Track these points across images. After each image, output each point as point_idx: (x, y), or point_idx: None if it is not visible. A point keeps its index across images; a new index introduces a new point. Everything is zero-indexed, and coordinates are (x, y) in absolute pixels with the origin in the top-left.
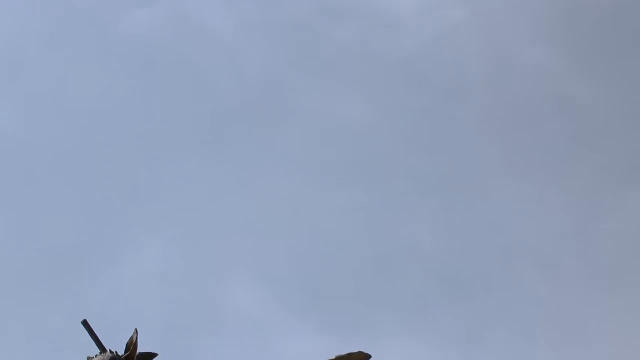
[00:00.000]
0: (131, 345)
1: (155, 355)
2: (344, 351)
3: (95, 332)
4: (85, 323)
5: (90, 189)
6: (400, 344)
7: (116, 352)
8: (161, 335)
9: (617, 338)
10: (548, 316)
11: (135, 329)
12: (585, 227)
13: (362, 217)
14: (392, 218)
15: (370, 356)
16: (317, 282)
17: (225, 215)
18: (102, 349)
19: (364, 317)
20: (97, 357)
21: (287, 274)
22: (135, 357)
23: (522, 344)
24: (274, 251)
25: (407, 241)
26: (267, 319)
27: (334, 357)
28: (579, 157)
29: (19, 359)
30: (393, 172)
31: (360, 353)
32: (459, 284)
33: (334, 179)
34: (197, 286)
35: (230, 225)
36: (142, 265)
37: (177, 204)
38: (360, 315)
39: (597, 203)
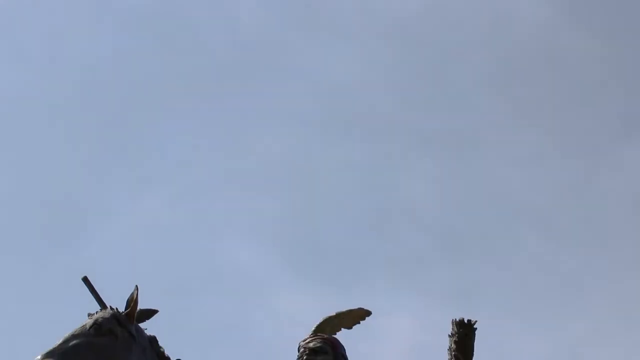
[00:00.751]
0: (132, 302)
1: (155, 311)
2: (343, 307)
3: (96, 289)
4: (85, 280)
5: (85, 144)
6: (399, 300)
7: (117, 308)
8: (157, 291)
9: (613, 293)
10: (542, 271)
11: (136, 286)
12: (582, 184)
13: (360, 174)
14: (390, 175)
15: (370, 313)
16: (314, 239)
17: (221, 170)
18: (103, 305)
19: (362, 274)
20: (98, 314)
21: (285, 230)
22: (135, 314)
23: (517, 299)
24: (271, 207)
25: (404, 198)
26: (264, 274)
27: (334, 313)
28: (577, 114)
29: (17, 317)
30: (391, 129)
31: (360, 309)
32: (457, 240)
33: (332, 136)
34: (194, 242)
35: (227, 181)
36: (138, 221)
37: (173, 159)
38: (358, 272)
39: (594, 160)
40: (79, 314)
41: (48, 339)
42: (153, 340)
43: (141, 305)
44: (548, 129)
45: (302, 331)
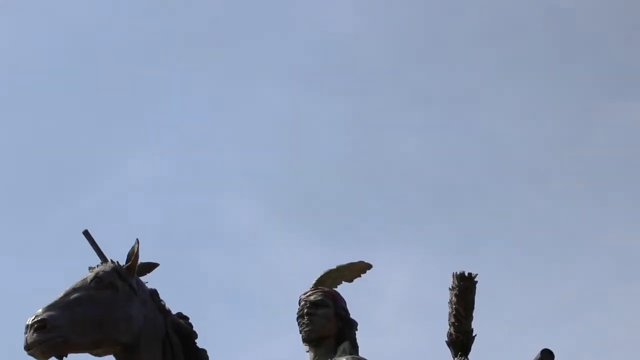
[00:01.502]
0: (132, 255)
1: (156, 265)
2: (338, 262)
3: (97, 243)
4: (86, 233)
5: (84, 99)
6: (395, 255)
7: (117, 262)
8: (155, 246)
9: (610, 247)
10: (540, 226)
11: (137, 240)
12: (576, 140)
13: (356, 130)
14: (386, 131)
15: (371, 266)
16: (310, 194)
17: (216, 126)
18: (104, 259)
19: (358, 229)
20: (99, 267)
21: (280, 186)
22: (136, 267)
23: (515, 254)
24: (267, 163)
25: (401, 154)
26: (260, 229)
27: (335, 266)
28: (572, 69)
29: (19, 272)
30: (385, 83)
31: (361, 263)
32: (452, 195)
33: (329, 90)
34: (191, 197)
35: (222, 136)
36: (134, 176)
37: (170, 115)
38: (353, 227)
39: (590, 115)
40: (80, 268)
41: (49, 293)
42: (154, 293)
43: (140, 259)
44: (544, 85)
45: (299, 284)
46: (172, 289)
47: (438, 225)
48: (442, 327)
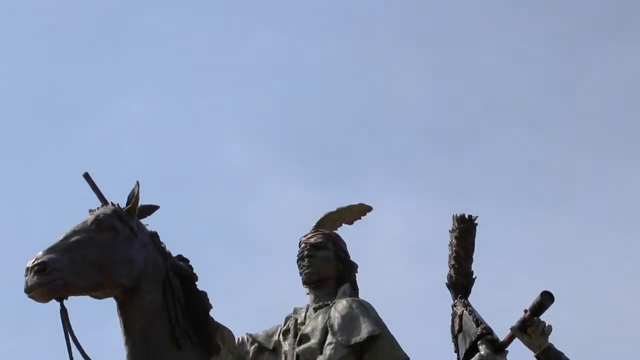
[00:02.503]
0: (133, 198)
1: (156, 207)
2: (337, 204)
3: (97, 185)
4: (86, 176)
5: (85, 37)
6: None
7: (118, 204)
8: (152, 188)
9: (604, 189)
10: (535, 169)
11: (137, 182)
12: (570, 81)
13: (351, 71)
14: (381, 71)
15: (371, 208)
16: (304, 136)
17: (214, 68)
18: (104, 201)
19: (353, 171)
20: (99, 210)
21: (275, 127)
22: (136, 210)
23: (510, 196)
24: (264, 105)
25: (395, 94)
26: (259, 173)
27: (335, 209)
28: (567, 9)
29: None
30: (381, 25)
31: (361, 205)
32: (447, 137)
33: (324, 31)
34: (189, 139)
35: (220, 79)
36: (132, 117)
37: (169, 57)
38: (349, 169)
39: (585, 55)
40: (80, 211)
41: (49, 236)
42: (154, 235)
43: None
44: (539, 25)
45: (295, 226)
46: (169, 231)
47: (432, 166)
48: (440, 270)
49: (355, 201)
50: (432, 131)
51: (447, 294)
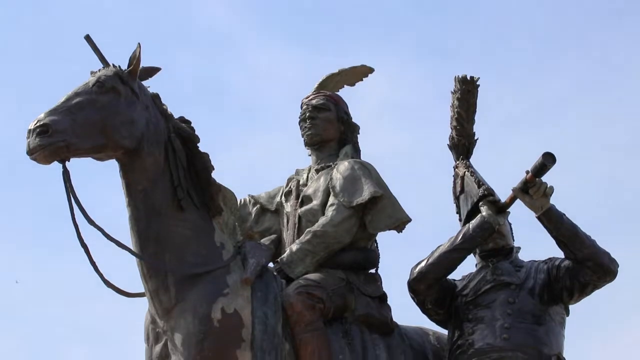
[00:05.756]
0: (134, 59)
1: (158, 69)
2: (319, 66)
3: (98, 47)
4: (88, 38)
5: None
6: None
7: (119, 66)
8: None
9: (590, 53)
10: (523, 31)
11: (138, 44)
12: None
13: None
14: None
15: (373, 69)
16: None
17: None
18: (106, 63)
19: (339, 33)
20: (101, 72)
21: None
22: (138, 71)
23: (496, 52)
24: None
25: None
26: (240, 31)
27: (336, 70)
28: None
29: (20, 77)
30: None
31: (363, 66)
32: None
33: None
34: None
35: None
36: None
37: None
38: (334, 31)
39: None
40: (81, 73)
41: (51, 99)
42: (155, 97)
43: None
44: None
45: (277, 86)
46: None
47: (415, 28)
48: (439, 131)
49: (338, 64)
50: None
51: (449, 155)
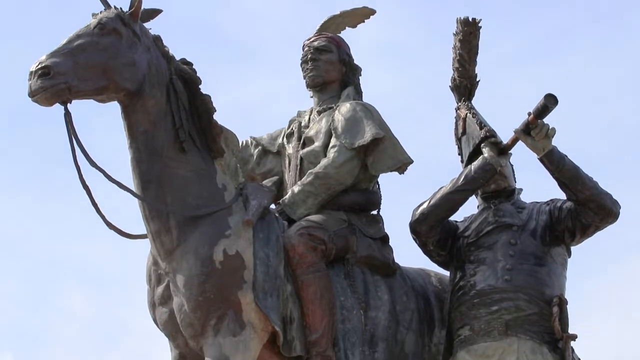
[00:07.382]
0: (135, 1)
1: (159, 11)
2: (309, 8)
3: None
4: None
5: None
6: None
7: (121, 8)
8: None
9: None
10: None
11: None
12: None
13: None
14: None
15: (375, 11)
16: None
17: None
18: (107, 5)
19: None
20: (102, 14)
21: None
22: (139, 13)
23: None
24: None
25: None
26: None
27: (338, 12)
28: None
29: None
30: None
31: (365, 8)
32: None
33: None
34: None
35: None
36: None
37: None
38: None
39: None
40: (83, 15)
41: (53, 41)
42: (157, 39)
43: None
44: None
45: (270, 28)
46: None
47: None
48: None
49: (329, 9)
50: None
51: (451, 97)
